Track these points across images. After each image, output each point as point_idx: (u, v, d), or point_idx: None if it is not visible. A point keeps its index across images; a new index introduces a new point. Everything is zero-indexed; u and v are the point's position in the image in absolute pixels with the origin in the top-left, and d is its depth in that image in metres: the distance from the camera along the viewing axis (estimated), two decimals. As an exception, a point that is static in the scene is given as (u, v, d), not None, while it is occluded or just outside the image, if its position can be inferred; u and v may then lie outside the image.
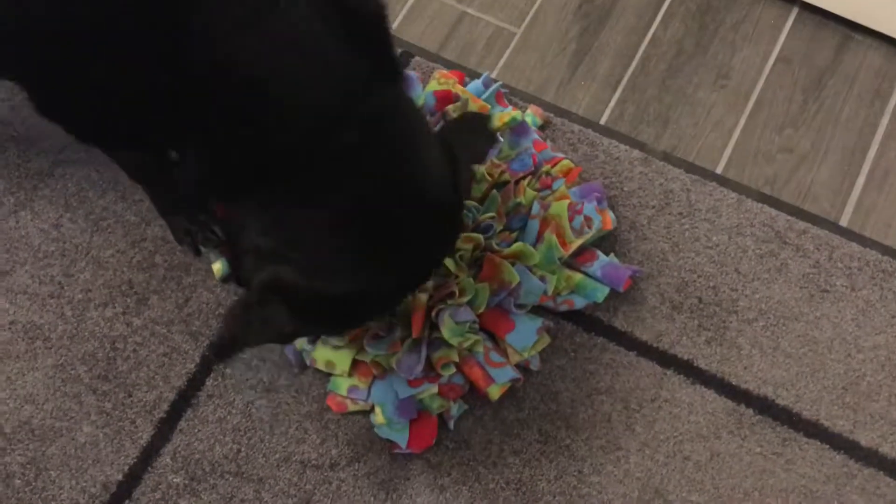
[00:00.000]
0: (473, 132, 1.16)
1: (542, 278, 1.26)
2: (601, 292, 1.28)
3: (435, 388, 1.20)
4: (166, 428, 1.24)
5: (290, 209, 0.94)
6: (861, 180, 1.43)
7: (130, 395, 1.26)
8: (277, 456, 1.23)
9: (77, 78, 0.92)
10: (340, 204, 0.93)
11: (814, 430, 1.25)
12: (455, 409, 1.23)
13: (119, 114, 0.94)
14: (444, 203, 1.01)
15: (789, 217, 1.38)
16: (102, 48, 0.88)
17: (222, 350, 1.00)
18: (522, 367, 1.26)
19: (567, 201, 1.31)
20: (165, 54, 0.87)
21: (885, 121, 1.48)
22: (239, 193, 0.97)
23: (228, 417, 1.25)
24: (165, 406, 1.25)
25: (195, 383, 1.27)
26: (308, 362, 1.26)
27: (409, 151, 0.96)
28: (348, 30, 0.90)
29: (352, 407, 1.24)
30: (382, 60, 0.96)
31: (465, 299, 1.22)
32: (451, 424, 1.23)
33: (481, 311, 1.24)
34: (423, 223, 0.99)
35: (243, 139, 0.90)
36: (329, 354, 1.23)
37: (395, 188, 0.96)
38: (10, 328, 1.30)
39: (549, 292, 1.26)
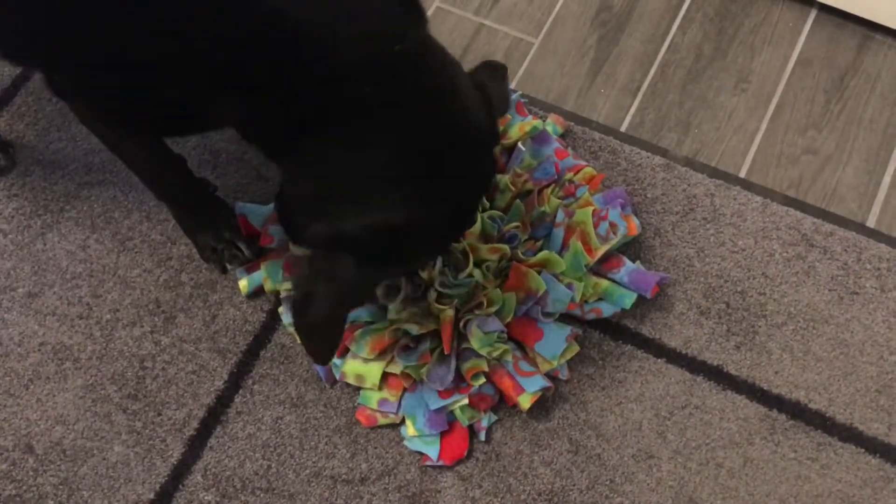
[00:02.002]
0: (494, 78, 1.17)
1: (568, 286, 1.25)
2: (629, 298, 1.28)
3: (465, 399, 1.20)
4: (196, 445, 1.25)
5: (337, 154, 0.96)
6: (887, 180, 1.42)
7: (160, 414, 1.26)
8: (308, 471, 1.23)
9: (129, 49, 0.92)
10: (386, 142, 0.95)
11: (848, 434, 1.24)
12: (486, 419, 1.23)
13: (168, 83, 0.94)
14: (482, 136, 1.04)
15: (815, 219, 1.37)
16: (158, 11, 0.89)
17: (301, 309, 1.01)
18: (551, 377, 1.25)
19: (591, 208, 1.31)
20: (224, 7, 0.88)
21: (909, 120, 1.46)
22: (286, 145, 0.98)
23: (258, 433, 1.25)
24: (195, 423, 1.26)
25: (224, 400, 1.27)
26: (338, 376, 1.26)
27: (447, 88, 0.98)
28: None
29: (382, 420, 1.23)
30: (410, 4, 0.99)
31: (493, 309, 1.22)
32: (483, 435, 1.23)
33: (509, 320, 1.23)
34: (464, 154, 1.01)
35: (295, 88, 0.92)
36: (359, 368, 1.23)
37: (436, 123, 0.98)
38: (39, 350, 1.31)
39: (577, 299, 1.25)
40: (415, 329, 1.22)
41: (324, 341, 1.05)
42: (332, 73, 0.91)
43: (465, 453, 1.22)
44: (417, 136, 0.96)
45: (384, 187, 0.98)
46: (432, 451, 1.20)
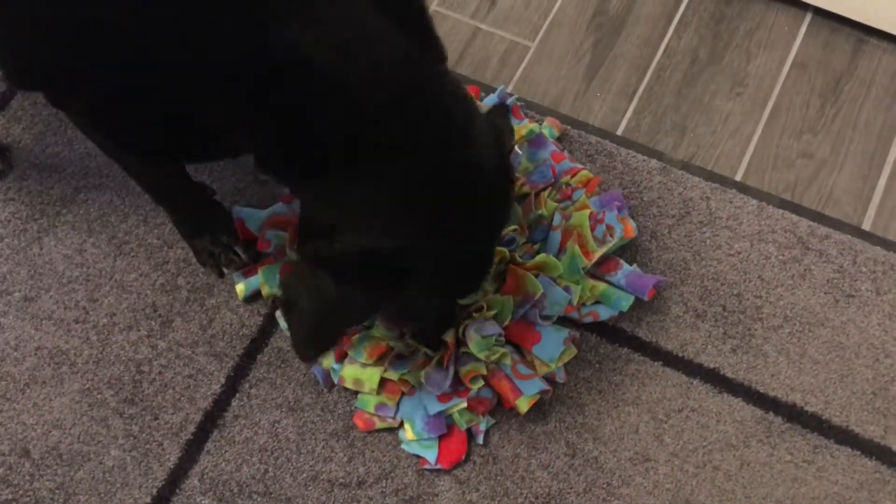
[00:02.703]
0: (501, 115, 1.18)
1: (566, 288, 1.26)
2: (626, 301, 1.28)
3: (464, 403, 1.20)
4: (193, 449, 1.24)
5: (345, 188, 0.96)
6: (882, 183, 1.43)
7: (157, 418, 1.26)
8: (305, 475, 1.23)
9: (144, 87, 0.93)
10: (394, 182, 0.95)
11: (844, 437, 1.24)
12: (483, 423, 1.23)
13: (181, 114, 0.95)
14: (494, 179, 1.03)
15: (811, 222, 1.38)
16: (178, 46, 0.89)
17: (285, 311, 1.05)
18: (548, 380, 1.25)
19: (588, 211, 1.31)
20: (235, 47, 0.88)
21: (903, 123, 1.47)
22: (300, 177, 0.99)
23: (255, 437, 1.25)
24: (192, 428, 1.26)
25: (221, 404, 1.27)
26: (336, 381, 1.26)
27: (461, 131, 0.98)
28: (399, 13, 0.94)
29: (379, 424, 1.24)
30: (429, 42, 1.00)
31: (491, 313, 1.22)
32: (481, 438, 1.23)
33: (506, 323, 1.23)
34: (473, 197, 1.00)
35: (311, 126, 0.92)
36: (357, 372, 1.23)
37: (447, 166, 0.97)
38: (36, 354, 1.30)
39: (574, 302, 1.26)
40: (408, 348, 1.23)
41: (309, 343, 1.06)
42: (348, 114, 0.91)
43: (464, 457, 1.22)
44: (426, 177, 0.96)
45: (383, 222, 0.97)
46: (430, 454, 1.20)
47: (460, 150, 0.97)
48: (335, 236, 0.98)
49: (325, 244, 0.98)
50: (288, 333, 1.28)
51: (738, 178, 1.43)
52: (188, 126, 0.97)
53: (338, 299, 0.98)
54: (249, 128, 0.95)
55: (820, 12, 1.55)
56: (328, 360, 1.25)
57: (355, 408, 1.25)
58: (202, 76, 0.90)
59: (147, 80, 0.92)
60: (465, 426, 1.22)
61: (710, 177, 1.42)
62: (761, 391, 1.27)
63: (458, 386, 1.22)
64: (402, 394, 1.23)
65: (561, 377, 1.26)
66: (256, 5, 0.88)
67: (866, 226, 1.40)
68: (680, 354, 1.29)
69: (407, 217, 0.97)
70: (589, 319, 1.28)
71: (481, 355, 1.20)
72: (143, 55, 0.90)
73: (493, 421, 1.24)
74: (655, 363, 1.29)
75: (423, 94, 0.95)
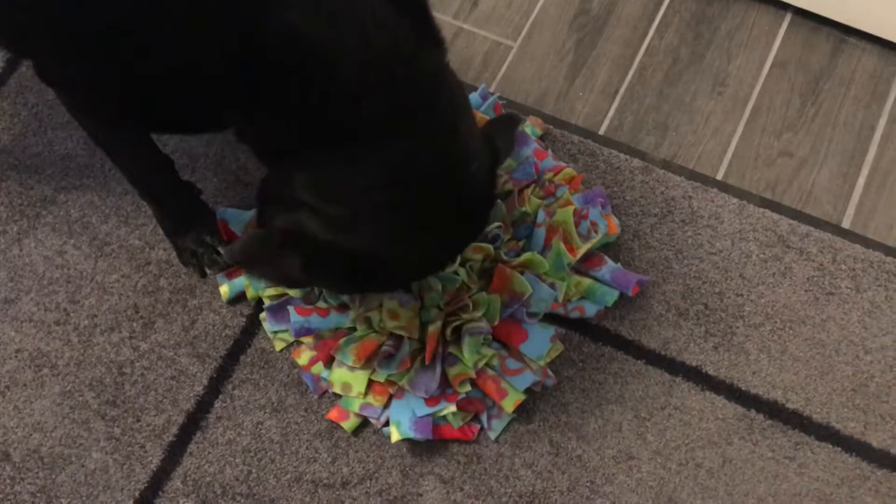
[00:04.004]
0: (507, 130, 1.15)
1: (552, 285, 1.26)
2: (611, 296, 1.28)
3: (453, 407, 1.20)
4: (176, 451, 1.24)
5: (325, 169, 0.95)
6: (861, 182, 1.44)
7: (139, 420, 1.26)
8: (289, 476, 1.23)
9: (143, 54, 0.92)
10: (373, 168, 0.94)
11: (825, 433, 1.25)
12: (497, 423, 1.23)
13: (169, 84, 0.94)
14: (477, 192, 1.03)
15: (791, 221, 1.39)
16: (173, 20, 0.88)
17: (232, 256, 1.02)
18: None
19: (572, 207, 1.31)
20: (235, 27, 0.88)
21: (882, 122, 1.48)
22: (281, 153, 0.98)
23: (238, 439, 1.25)
24: (174, 429, 1.25)
25: (203, 406, 1.26)
26: (325, 385, 1.25)
27: (452, 126, 0.97)
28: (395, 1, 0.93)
29: (352, 419, 1.23)
30: (426, 28, 0.98)
31: (479, 313, 1.22)
32: (493, 435, 1.23)
33: (494, 322, 1.24)
34: (450, 198, 1.00)
35: (299, 102, 0.91)
36: (345, 376, 1.23)
37: (435, 163, 0.96)
38: (16, 356, 1.29)
39: (560, 299, 1.26)
40: (396, 332, 1.22)
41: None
42: (338, 92, 0.91)
43: (475, 436, 1.22)
44: (406, 170, 0.95)
45: (357, 210, 0.97)
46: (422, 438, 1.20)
47: (447, 143, 0.96)
48: (306, 220, 0.97)
49: (296, 218, 0.97)
50: (271, 335, 1.28)
51: (719, 177, 1.44)
52: (176, 92, 0.95)
53: (300, 279, 1.00)
54: (236, 98, 0.93)
55: (800, 12, 1.56)
56: (317, 367, 1.25)
57: (341, 405, 1.24)
58: (194, 43, 0.89)
59: (136, 48, 0.91)
60: (458, 425, 1.22)
61: (692, 176, 1.43)
62: (743, 389, 1.28)
63: (446, 388, 1.22)
64: (391, 396, 1.23)
65: (551, 382, 1.26)
66: None
67: (846, 224, 1.41)
68: (662, 353, 1.30)
69: (384, 220, 0.97)
70: (576, 314, 1.29)
71: (470, 362, 1.20)
72: (133, 24, 0.89)
73: (513, 416, 1.24)
74: (638, 361, 1.29)
75: (413, 82, 0.93)
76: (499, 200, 1.31)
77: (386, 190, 0.95)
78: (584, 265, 1.31)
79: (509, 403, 1.22)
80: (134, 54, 0.91)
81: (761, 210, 1.40)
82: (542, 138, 1.44)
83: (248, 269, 1.03)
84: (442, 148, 0.97)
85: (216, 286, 1.33)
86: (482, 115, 1.39)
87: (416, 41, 0.94)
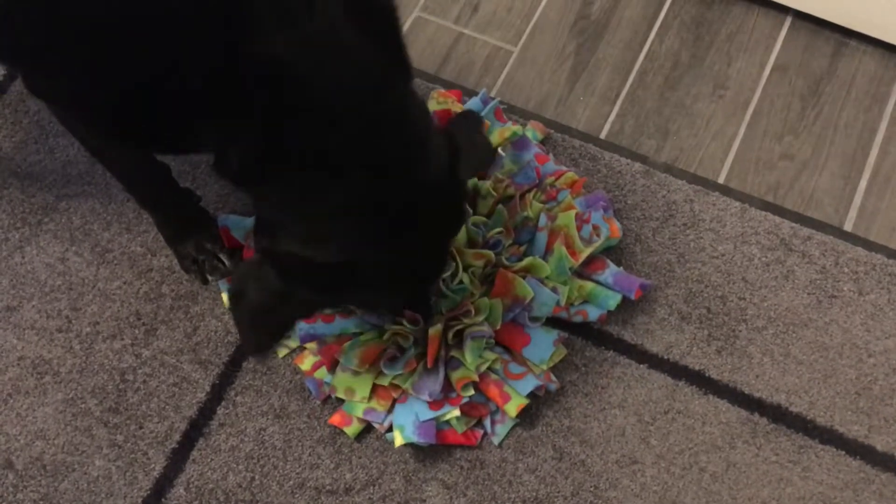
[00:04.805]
0: (471, 129, 1.20)
1: (554, 289, 1.26)
2: (613, 300, 1.28)
3: (457, 411, 1.20)
4: (179, 458, 1.24)
5: (296, 194, 0.99)
6: (863, 184, 1.44)
7: (141, 427, 1.25)
8: (292, 483, 1.23)
9: (124, 74, 0.93)
10: (343, 190, 0.98)
11: (829, 437, 1.25)
12: (500, 428, 1.23)
13: (149, 103, 0.95)
14: (445, 195, 1.07)
15: (793, 224, 1.39)
16: (154, 39, 0.89)
17: (234, 300, 1.08)
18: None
19: (574, 211, 1.31)
20: (217, 52, 0.89)
21: (883, 125, 1.48)
22: (256, 178, 1.01)
23: (241, 445, 1.24)
24: (177, 436, 1.25)
25: (206, 412, 1.26)
26: (328, 391, 1.25)
27: (415, 143, 1.01)
28: (370, 26, 0.96)
29: (355, 423, 1.23)
30: (396, 55, 1.02)
31: (481, 318, 1.22)
32: (496, 440, 1.23)
33: (496, 326, 1.23)
34: (421, 212, 1.04)
35: (272, 127, 0.94)
36: (349, 381, 1.23)
37: (398, 180, 1.01)
38: (18, 364, 1.29)
39: (563, 303, 1.26)
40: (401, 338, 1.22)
41: (256, 335, 1.09)
42: (309, 119, 0.93)
43: (478, 441, 1.23)
44: (374, 189, 0.99)
45: (328, 227, 1.01)
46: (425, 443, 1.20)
47: (414, 167, 1.01)
48: (281, 236, 1.01)
49: (273, 241, 1.02)
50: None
51: (720, 180, 1.44)
52: (159, 116, 0.97)
53: (281, 293, 1.03)
54: (213, 120, 0.95)
55: (800, 15, 1.56)
56: (321, 371, 1.25)
57: (344, 410, 1.24)
58: (177, 71, 0.90)
59: (121, 71, 0.92)
60: (462, 430, 1.21)
61: (693, 179, 1.42)
62: (746, 392, 1.28)
63: (449, 392, 1.21)
64: (394, 400, 1.23)
65: (554, 386, 1.25)
66: (238, 11, 0.88)
67: (848, 227, 1.41)
68: (665, 357, 1.30)
69: (354, 233, 1.01)
70: (578, 318, 1.28)
71: (472, 365, 1.20)
72: (118, 49, 0.90)
73: (517, 421, 1.24)
74: (641, 366, 1.29)
75: (383, 110, 0.97)
76: (500, 205, 1.31)
77: (358, 208, 0.99)
78: (587, 269, 1.31)
79: (512, 407, 1.21)
80: (116, 75, 0.92)
81: (763, 213, 1.39)
82: (543, 143, 1.44)
83: (247, 294, 1.07)
84: (411, 168, 1.01)
85: (218, 292, 1.33)
86: (483, 120, 1.39)
87: (385, 67, 0.98)
